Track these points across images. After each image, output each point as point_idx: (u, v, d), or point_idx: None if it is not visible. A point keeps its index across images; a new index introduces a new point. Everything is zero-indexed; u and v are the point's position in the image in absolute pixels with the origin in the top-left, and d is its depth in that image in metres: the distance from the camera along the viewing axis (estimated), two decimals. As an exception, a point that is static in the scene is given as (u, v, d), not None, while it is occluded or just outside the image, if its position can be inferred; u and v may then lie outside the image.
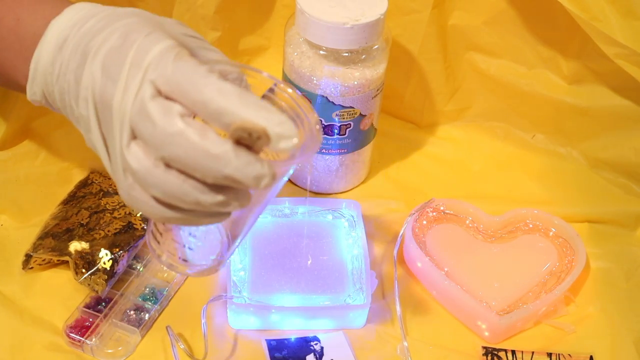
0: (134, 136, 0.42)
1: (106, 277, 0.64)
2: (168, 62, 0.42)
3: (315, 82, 0.68)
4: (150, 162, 0.41)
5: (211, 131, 0.40)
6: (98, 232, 0.66)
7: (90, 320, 0.62)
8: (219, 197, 0.41)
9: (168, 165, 0.41)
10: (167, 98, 0.41)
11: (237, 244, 0.51)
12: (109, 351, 0.61)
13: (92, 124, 0.44)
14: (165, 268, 0.58)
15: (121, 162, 0.43)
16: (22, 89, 0.49)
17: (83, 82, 0.44)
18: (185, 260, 0.50)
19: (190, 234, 0.50)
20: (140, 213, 0.63)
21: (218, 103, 0.40)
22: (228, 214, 0.44)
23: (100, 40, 0.44)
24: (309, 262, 0.67)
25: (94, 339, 0.61)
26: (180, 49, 0.43)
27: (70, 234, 0.66)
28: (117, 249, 0.65)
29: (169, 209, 0.42)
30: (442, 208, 0.73)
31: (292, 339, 0.63)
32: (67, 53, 0.46)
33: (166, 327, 0.62)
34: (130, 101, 0.41)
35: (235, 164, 0.39)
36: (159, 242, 0.50)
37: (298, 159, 0.43)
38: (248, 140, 0.39)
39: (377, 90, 0.70)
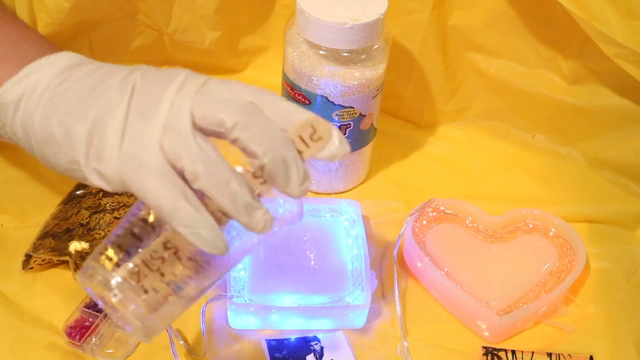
0: None
1: (106, 277, 0.64)
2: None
3: (315, 82, 0.68)
4: None
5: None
6: (98, 232, 0.66)
7: (90, 320, 0.62)
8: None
9: None
10: None
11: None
12: (109, 351, 0.61)
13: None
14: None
15: None
16: None
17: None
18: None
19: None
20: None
21: (289, 105, 0.46)
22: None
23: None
24: (310, 262, 0.67)
25: (94, 339, 0.61)
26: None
27: (70, 234, 0.66)
28: (117, 249, 0.65)
29: None
30: (442, 208, 0.73)
31: (292, 339, 0.63)
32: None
33: (166, 327, 0.62)
34: None
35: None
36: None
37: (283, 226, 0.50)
38: (308, 137, 0.44)
39: (377, 90, 0.70)
